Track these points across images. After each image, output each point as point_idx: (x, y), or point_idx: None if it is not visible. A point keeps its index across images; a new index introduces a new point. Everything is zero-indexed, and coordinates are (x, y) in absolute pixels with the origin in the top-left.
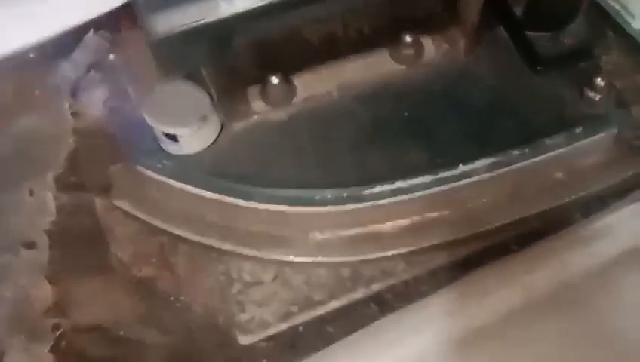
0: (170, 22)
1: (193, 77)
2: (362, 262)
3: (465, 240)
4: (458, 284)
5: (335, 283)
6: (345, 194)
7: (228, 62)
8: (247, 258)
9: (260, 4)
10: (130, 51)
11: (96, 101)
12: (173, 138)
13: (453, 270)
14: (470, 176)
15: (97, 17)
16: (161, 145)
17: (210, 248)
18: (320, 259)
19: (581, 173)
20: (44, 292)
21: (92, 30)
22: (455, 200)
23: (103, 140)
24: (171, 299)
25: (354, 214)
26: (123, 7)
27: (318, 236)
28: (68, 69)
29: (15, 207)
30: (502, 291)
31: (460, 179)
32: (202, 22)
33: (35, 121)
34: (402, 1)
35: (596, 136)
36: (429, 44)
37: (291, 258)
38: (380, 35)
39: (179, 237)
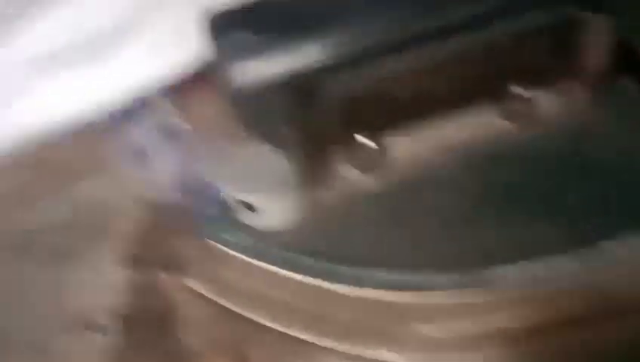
0: (251, 71)
1: (271, 140)
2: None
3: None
4: None
5: None
6: (460, 279)
7: (312, 120)
8: (335, 353)
9: (360, 50)
10: (199, 117)
11: (162, 168)
12: (249, 207)
13: None
14: (619, 258)
15: (166, 83)
16: (235, 215)
17: (293, 339)
18: (429, 358)
19: None
20: None
21: (160, 96)
22: (604, 294)
23: (169, 211)
24: None
25: (470, 303)
26: (192, 74)
27: (425, 330)
28: (133, 136)
29: (78, 282)
30: None
31: (605, 261)
32: (287, 70)
33: (99, 188)
34: (511, 49)
35: None
36: (543, 97)
37: (390, 355)
38: (485, 89)
39: (256, 324)
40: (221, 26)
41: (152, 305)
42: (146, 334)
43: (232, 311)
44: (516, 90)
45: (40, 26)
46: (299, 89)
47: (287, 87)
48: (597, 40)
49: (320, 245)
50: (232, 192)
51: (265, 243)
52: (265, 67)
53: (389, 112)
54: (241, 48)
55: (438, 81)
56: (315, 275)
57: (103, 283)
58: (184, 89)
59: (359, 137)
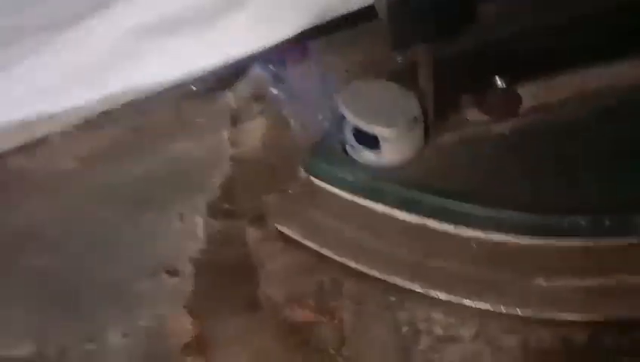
0: None
1: (398, 77)
2: (605, 325)
3: None
4: None
5: (566, 353)
6: (606, 223)
7: (446, 59)
8: (439, 304)
9: None
10: (294, 85)
11: (256, 130)
12: (371, 143)
13: None
14: None
15: (263, 52)
16: (352, 154)
17: (389, 288)
18: (544, 315)
19: None
20: (184, 326)
21: (257, 64)
22: None
23: (259, 169)
24: (331, 351)
25: (601, 255)
26: (288, 43)
27: (544, 283)
28: (231, 100)
29: (163, 230)
30: None
31: None
32: None
33: (193, 146)
34: None
35: None
36: None
37: (502, 308)
38: (629, 39)
39: (345, 274)
40: None
41: (233, 254)
42: (226, 282)
43: (324, 256)
44: None
45: None
46: (451, 10)
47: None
48: None
49: (440, 186)
50: (360, 122)
51: (380, 181)
52: None
53: (527, 60)
54: None
55: (584, 31)
56: (433, 216)
57: (188, 232)
58: (280, 61)
59: (496, 81)
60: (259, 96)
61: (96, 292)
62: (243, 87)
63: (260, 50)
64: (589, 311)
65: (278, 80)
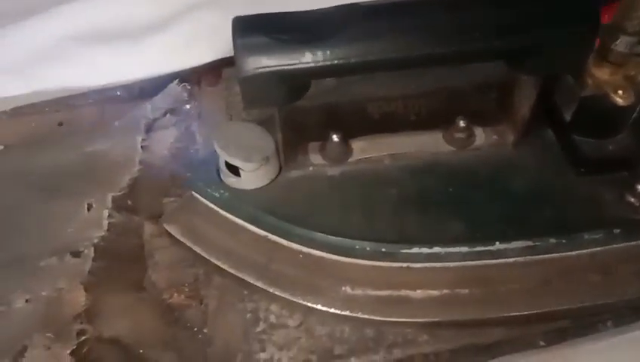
0: (258, 63)
1: (265, 122)
2: (387, 324)
3: (492, 322)
4: None
5: (357, 341)
6: (383, 250)
7: (297, 113)
8: (277, 299)
9: (337, 62)
10: (205, 104)
11: (165, 140)
12: (234, 171)
13: (476, 353)
14: (505, 256)
15: (183, 71)
16: (222, 177)
17: (244, 284)
18: (346, 313)
19: (618, 279)
20: (78, 299)
21: (176, 81)
22: (487, 279)
23: (163, 174)
24: (195, 329)
25: (388, 273)
26: (207, 66)
27: (349, 290)
28: (148, 110)
29: (72, 216)
30: None
31: (495, 257)
32: (285, 67)
33: (109, 146)
34: (461, 93)
35: (634, 242)
36: (480, 132)
37: (319, 307)
38: (437, 118)
39: (215, 269)
40: (242, 27)
41: (129, 244)
42: (119, 266)
43: (196, 256)
44: (461, 122)
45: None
46: (292, 85)
47: (282, 81)
48: (526, 95)
49: (280, 209)
50: (226, 155)
51: (238, 201)
52: (269, 62)
53: (360, 122)
54: (253, 46)
55: (404, 106)
56: (270, 231)
57: (93, 221)
58: (197, 81)
59: (333, 135)
60: (173, 110)
61: (6, 264)
62: (160, 100)
63: (180, 70)
64: (378, 315)
65: (191, 98)
